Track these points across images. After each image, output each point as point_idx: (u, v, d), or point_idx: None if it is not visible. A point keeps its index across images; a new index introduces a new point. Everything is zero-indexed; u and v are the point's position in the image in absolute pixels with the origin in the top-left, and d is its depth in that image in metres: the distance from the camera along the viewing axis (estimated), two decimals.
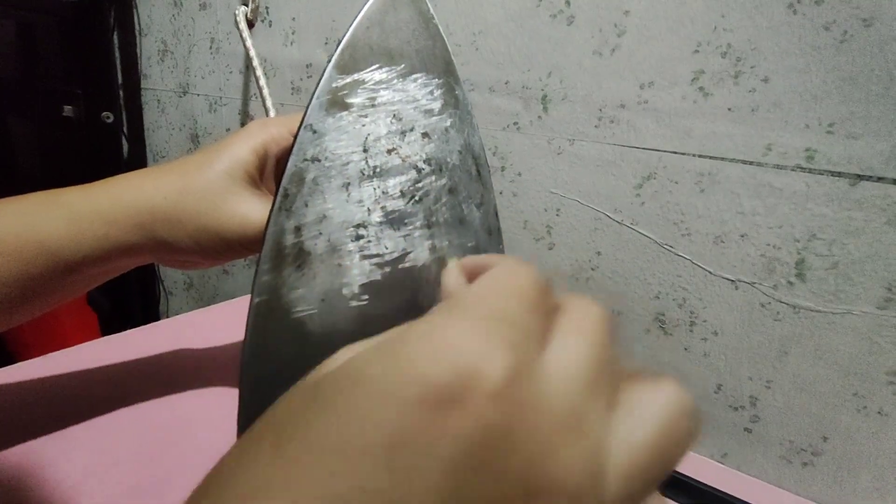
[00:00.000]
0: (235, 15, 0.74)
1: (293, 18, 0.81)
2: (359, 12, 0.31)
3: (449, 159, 0.34)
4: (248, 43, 0.73)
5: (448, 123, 0.34)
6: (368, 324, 0.32)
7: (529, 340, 0.15)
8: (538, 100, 0.58)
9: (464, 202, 0.34)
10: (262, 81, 0.71)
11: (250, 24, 0.77)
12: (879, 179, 0.42)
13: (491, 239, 0.35)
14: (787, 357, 0.48)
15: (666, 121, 0.51)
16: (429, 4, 0.33)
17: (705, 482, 0.47)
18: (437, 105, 0.33)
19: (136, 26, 1.09)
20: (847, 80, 0.42)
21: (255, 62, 0.73)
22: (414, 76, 0.33)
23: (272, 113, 0.72)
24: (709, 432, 0.54)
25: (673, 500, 0.47)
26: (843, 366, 0.46)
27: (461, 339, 0.14)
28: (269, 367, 0.31)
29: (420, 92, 0.33)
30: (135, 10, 1.08)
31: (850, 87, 0.42)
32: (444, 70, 0.34)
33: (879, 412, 0.45)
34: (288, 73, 0.83)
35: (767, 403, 0.50)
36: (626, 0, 0.51)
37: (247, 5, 0.76)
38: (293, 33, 0.81)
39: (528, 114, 0.59)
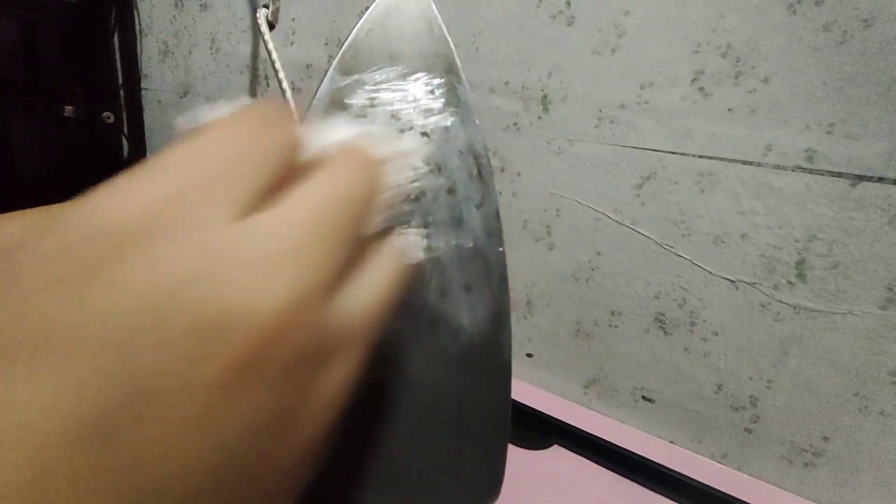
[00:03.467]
0: (257, 17, 0.73)
1: (293, 19, 0.81)
2: (362, 14, 0.32)
3: (448, 159, 0.33)
4: (270, 45, 0.72)
5: (449, 123, 0.33)
6: None
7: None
8: (538, 100, 0.58)
9: (463, 202, 0.34)
10: (286, 84, 0.70)
11: (271, 27, 0.76)
12: (880, 180, 0.42)
13: (490, 240, 0.35)
14: (788, 357, 0.48)
15: (666, 121, 0.51)
16: (433, 6, 0.33)
17: (705, 482, 0.47)
18: (437, 104, 0.33)
19: (137, 26, 1.09)
20: (847, 81, 0.42)
21: (278, 65, 0.72)
22: (415, 76, 0.33)
23: (295, 115, 0.70)
24: (709, 432, 0.54)
25: (673, 500, 0.47)
26: (845, 366, 0.45)
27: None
28: None
29: (421, 91, 0.33)
30: (135, 11, 1.08)
31: (850, 87, 0.42)
32: (446, 70, 0.34)
33: (881, 412, 0.45)
34: (288, 73, 0.83)
35: (768, 403, 0.50)
36: (626, 0, 0.51)
37: (267, 7, 0.75)
38: (293, 34, 0.81)
39: (527, 114, 0.59)
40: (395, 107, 0.32)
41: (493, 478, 0.39)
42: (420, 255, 0.33)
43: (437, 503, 0.37)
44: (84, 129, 1.08)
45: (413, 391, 0.34)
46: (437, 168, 0.33)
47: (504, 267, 0.36)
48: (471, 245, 0.34)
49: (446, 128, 0.33)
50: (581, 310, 0.60)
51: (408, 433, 0.35)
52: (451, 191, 0.33)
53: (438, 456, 0.36)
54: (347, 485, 0.34)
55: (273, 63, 0.70)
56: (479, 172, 0.34)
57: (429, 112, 0.33)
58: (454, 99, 0.34)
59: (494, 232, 0.36)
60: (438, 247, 0.33)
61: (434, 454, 0.36)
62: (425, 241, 0.33)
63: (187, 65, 1.01)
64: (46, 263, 0.12)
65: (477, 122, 0.34)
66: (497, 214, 0.35)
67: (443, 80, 0.33)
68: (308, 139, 0.19)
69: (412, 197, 0.33)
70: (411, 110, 0.33)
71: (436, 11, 0.33)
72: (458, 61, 0.34)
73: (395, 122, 0.32)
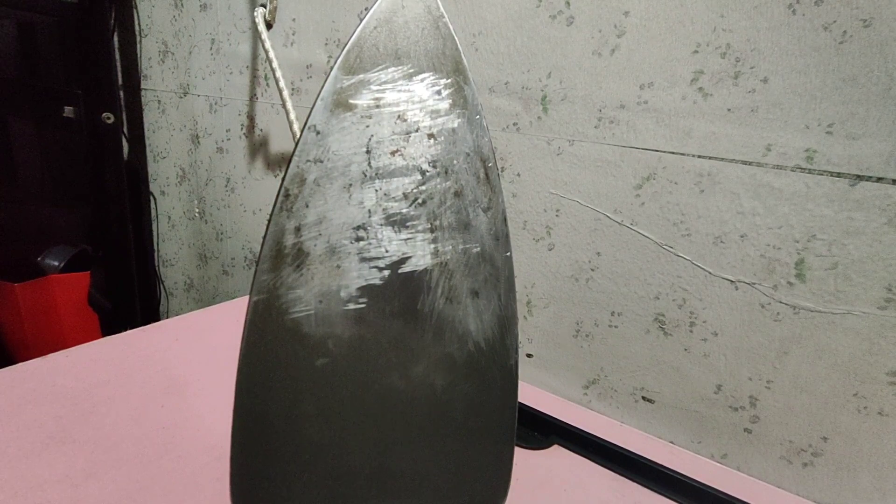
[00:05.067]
0: (255, 16, 0.72)
1: (293, 19, 0.81)
2: (366, 12, 0.31)
3: (455, 161, 0.33)
4: (268, 45, 0.72)
5: (455, 124, 0.33)
6: (365, 327, 0.32)
7: None
8: (538, 100, 0.58)
9: (470, 206, 0.34)
10: (283, 83, 0.70)
11: (268, 26, 0.75)
12: (879, 180, 0.42)
13: (498, 244, 0.35)
14: (787, 357, 0.48)
15: (666, 121, 0.51)
16: (439, 4, 0.33)
17: (705, 482, 0.47)
18: (444, 105, 0.33)
19: (137, 27, 1.09)
20: (847, 81, 0.42)
21: (275, 64, 0.71)
22: (421, 76, 0.32)
23: (293, 115, 0.70)
24: (709, 432, 0.54)
25: (673, 500, 0.47)
26: (844, 366, 0.46)
27: None
28: (265, 366, 0.31)
29: (427, 92, 0.32)
30: (135, 11, 1.08)
31: (850, 87, 0.42)
32: (453, 70, 0.33)
33: (880, 412, 0.45)
34: (288, 73, 0.83)
35: (767, 404, 0.50)
36: (625, 1, 0.51)
37: (265, 6, 0.74)
38: (293, 34, 0.81)
39: (527, 114, 0.59)
40: (402, 107, 0.32)
41: (500, 482, 0.38)
42: (428, 261, 0.33)
43: None
44: (84, 130, 1.08)
45: (420, 397, 0.34)
46: (444, 171, 0.33)
47: (511, 272, 0.35)
48: (478, 250, 0.34)
49: (453, 129, 0.33)
50: (581, 310, 0.60)
51: (415, 438, 0.35)
52: (458, 194, 0.33)
53: (445, 460, 0.36)
54: (355, 490, 0.34)
55: (270, 62, 0.70)
56: (487, 175, 0.34)
57: (435, 113, 0.33)
58: (461, 100, 0.33)
59: (502, 236, 0.35)
60: (446, 252, 0.33)
61: (441, 459, 0.36)
62: (432, 246, 0.33)
63: (187, 65, 1.01)
64: None
65: (484, 123, 0.34)
66: (504, 219, 0.35)
67: (449, 80, 0.33)
68: None
69: (420, 202, 0.32)
70: (418, 111, 0.32)
71: (442, 9, 0.33)
72: (464, 61, 0.33)
73: (402, 123, 0.32)
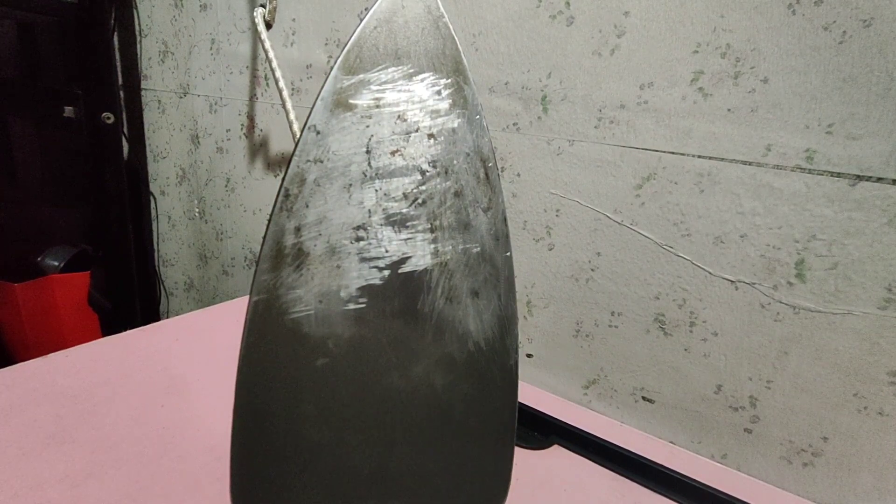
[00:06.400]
0: (254, 16, 0.72)
1: (293, 19, 0.81)
2: (366, 12, 0.31)
3: (455, 161, 0.33)
4: (268, 45, 0.72)
5: (455, 124, 0.33)
6: (365, 327, 0.32)
7: None
8: (538, 100, 0.58)
9: (470, 206, 0.34)
10: (283, 83, 0.70)
11: (268, 26, 0.75)
12: (879, 180, 0.42)
13: (498, 244, 0.35)
14: (788, 357, 0.48)
15: (666, 121, 0.51)
16: (439, 4, 0.33)
17: (705, 482, 0.47)
18: (444, 105, 0.33)
19: (137, 27, 1.09)
20: (846, 81, 0.42)
21: (275, 64, 0.71)
22: (421, 76, 0.32)
23: (293, 115, 0.70)
24: (709, 432, 0.54)
25: (673, 500, 0.47)
26: (844, 366, 0.46)
27: None
28: (265, 366, 0.31)
29: (427, 92, 0.32)
30: (135, 11, 1.08)
31: (850, 87, 0.42)
32: (453, 70, 0.33)
33: (880, 412, 0.45)
34: (288, 73, 0.83)
35: (767, 404, 0.50)
36: (625, 1, 0.51)
37: (264, 6, 0.74)
38: (293, 34, 0.81)
39: (527, 114, 0.59)
40: (402, 108, 0.32)
41: (500, 482, 0.38)
42: (428, 261, 0.33)
43: None
44: (84, 130, 1.08)
45: (420, 397, 0.34)
46: (444, 171, 0.33)
47: (511, 272, 0.35)
48: (478, 250, 0.34)
49: (453, 129, 0.33)
50: (581, 310, 0.60)
51: (415, 438, 0.35)
52: (458, 194, 0.33)
53: (445, 460, 0.36)
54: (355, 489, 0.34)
55: (270, 62, 0.70)
56: (487, 175, 0.34)
57: (435, 113, 0.33)
58: (461, 100, 0.33)
59: (502, 236, 0.35)
60: (446, 252, 0.33)
61: (441, 459, 0.36)
62: (432, 246, 0.33)
63: (187, 65, 1.01)
64: None
65: (484, 123, 0.34)
66: (504, 219, 0.35)
67: (449, 80, 0.33)
68: None
69: (420, 202, 0.32)
70: (418, 111, 0.32)
71: (442, 9, 0.33)
72: (464, 61, 0.33)
73: (402, 123, 0.32)
